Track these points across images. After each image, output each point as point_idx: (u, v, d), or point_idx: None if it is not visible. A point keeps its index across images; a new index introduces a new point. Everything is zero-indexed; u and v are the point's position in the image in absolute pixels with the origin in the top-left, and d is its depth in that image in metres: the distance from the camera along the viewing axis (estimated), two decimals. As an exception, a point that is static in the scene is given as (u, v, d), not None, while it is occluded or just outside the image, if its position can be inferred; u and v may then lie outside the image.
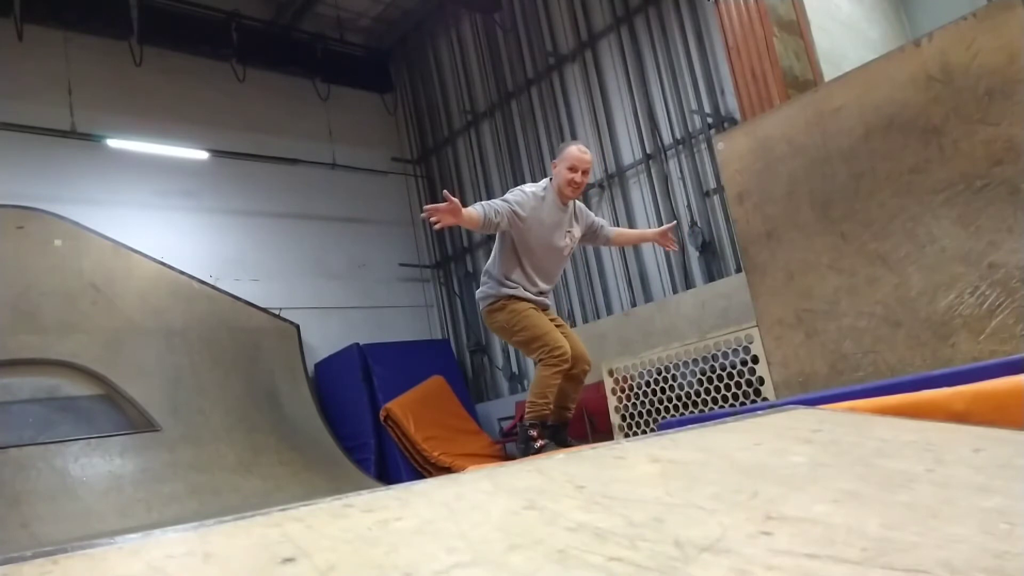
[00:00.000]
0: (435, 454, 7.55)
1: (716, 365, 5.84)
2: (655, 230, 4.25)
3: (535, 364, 3.74)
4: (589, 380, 7.76)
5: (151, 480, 6.43)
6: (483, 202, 3.66)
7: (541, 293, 3.89)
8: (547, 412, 3.69)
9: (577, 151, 3.73)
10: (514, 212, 3.65)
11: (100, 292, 7.21)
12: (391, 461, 8.20)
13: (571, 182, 3.70)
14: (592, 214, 4.17)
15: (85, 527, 5.46)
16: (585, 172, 3.75)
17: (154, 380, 7.20)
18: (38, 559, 0.84)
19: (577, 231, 3.96)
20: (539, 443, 3.64)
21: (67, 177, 8.06)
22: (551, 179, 3.79)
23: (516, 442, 3.88)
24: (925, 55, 3.40)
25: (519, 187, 3.82)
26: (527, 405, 3.71)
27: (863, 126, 3.61)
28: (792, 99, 4.21)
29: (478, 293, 3.96)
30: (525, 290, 3.79)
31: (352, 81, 10.70)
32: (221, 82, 9.47)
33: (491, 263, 3.93)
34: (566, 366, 3.63)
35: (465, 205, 3.56)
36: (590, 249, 8.96)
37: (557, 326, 3.85)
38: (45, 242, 7.09)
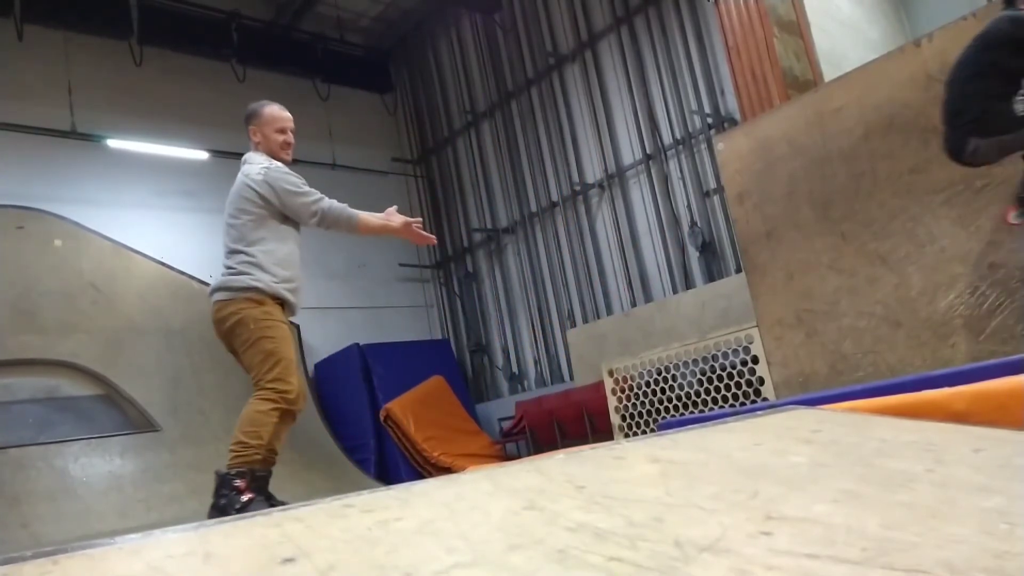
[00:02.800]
0: (435, 454, 7.55)
1: (716, 365, 5.84)
2: (401, 222, 3.41)
3: (254, 388, 3.16)
4: (589, 380, 7.78)
5: (151, 480, 6.43)
6: (319, 200, 3.28)
7: (301, 303, 3.39)
8: (258, 457, 3.08)
9: (279, 111, 3.44)
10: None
11: (100, 292, 7.20)
12: (391, 461, 8.20)
13: (286, 143, 3.42)
14: None
15: (85, 527, 5.46)
16: (293, 131, 3.46)
17: (154, 380, 7.20)
18: (38, 559, 0.84)
19: None
20: (246, 496, 2.98)
21: (67, 177, 8.06)
22: (255, 149, 3.42)
23: (214, 496, 3.04)
24: (925, 55, 3.40)
25: (259, 164, 3.32)
26: (234, 447, 3.05)
27: (863, 126, 3.61)
28: (792, 99, 4.21)
29: (231, 279, 3.21)
30: (293, 295, 3.30)
31: (352, 81, 10.71)
32: (221, 82, 9.46)
33: (255, 247, 3.24)
34: (286, 406, 3.14)
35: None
36: (590, 249, 8.96)
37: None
38: (45, 242, 7.08)
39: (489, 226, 10.19)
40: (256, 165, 3.34)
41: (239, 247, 3.25)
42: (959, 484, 1.11)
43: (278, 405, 3.11)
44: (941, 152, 3.06)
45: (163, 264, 7.87)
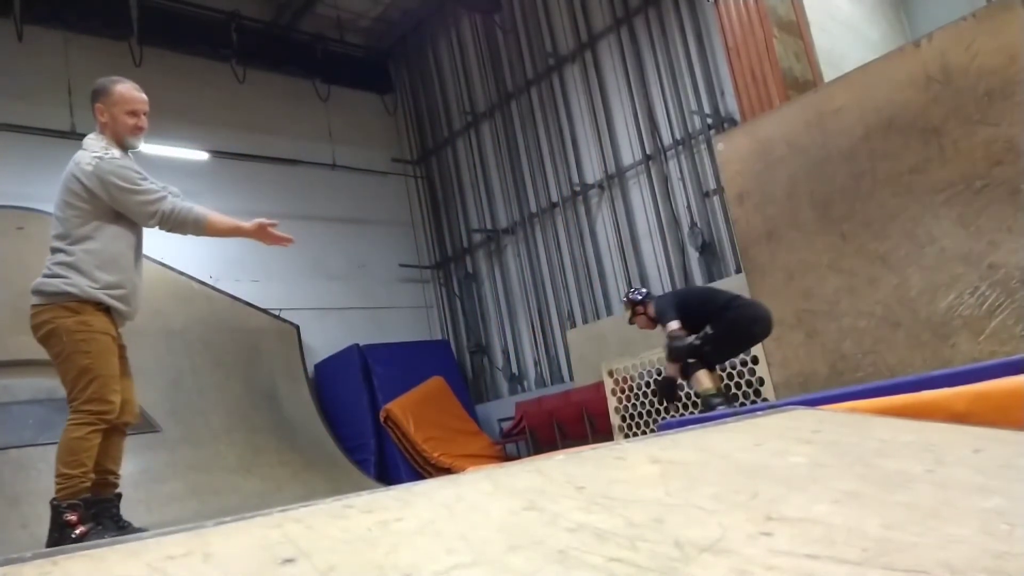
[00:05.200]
0: (435, 455, 7.55)
1: (716, 365, 5.84)
2: (253, 224, 3.21)
3: (69, 407, 2.86)
4: (590, 380, 7.76)
5: (151, 480, 6.43)
6: (160, 200, 2.97)
7: (137, 310, 3.11)
8: (86, 484, 2.80)
9: (133, 90, 3.10)
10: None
11: (100, 293, 7.19)
12: (391, 462, 8.20)
13: (136, 128, 3.06)
14: None
15: (85, 528, 5.45)
16: (146, 113, 3.11)
17: (154, 381, 7.19)
18: (38, 559, 0.84)
19: None
20: (79, 530, 2.72)
21: (67, 178, 8.05)
22: (100, 131, 3.06)
23: (49, 530, 2.80)
24: (925, 56, 3.40)
25: (91, 153, 2.94)
26: (57, 479, 2.77)
27: (863, 126, 3.61)
28: (792, 100, 4.21)
29: (44, 282, 2.92)
30: (124, 302, 2.98)
31: (352, 82, 10.72)
32: (221, 82, 9.47)
33: (77, 246, 2.92)
34: (106, 426, 2.87)
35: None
36: (589, 248, 8.96)
37: (121, 358, 3.06)
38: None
39: (489, 226, 10.19)
40: (88, 153, 2.93)
41: (60, 245, 2.93)
42: (959, 484, 1.11)
43: (96, 427, 2.82)
44: (941, 152, 3.07)
45: (163, 265, 7.87)
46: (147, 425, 6.92)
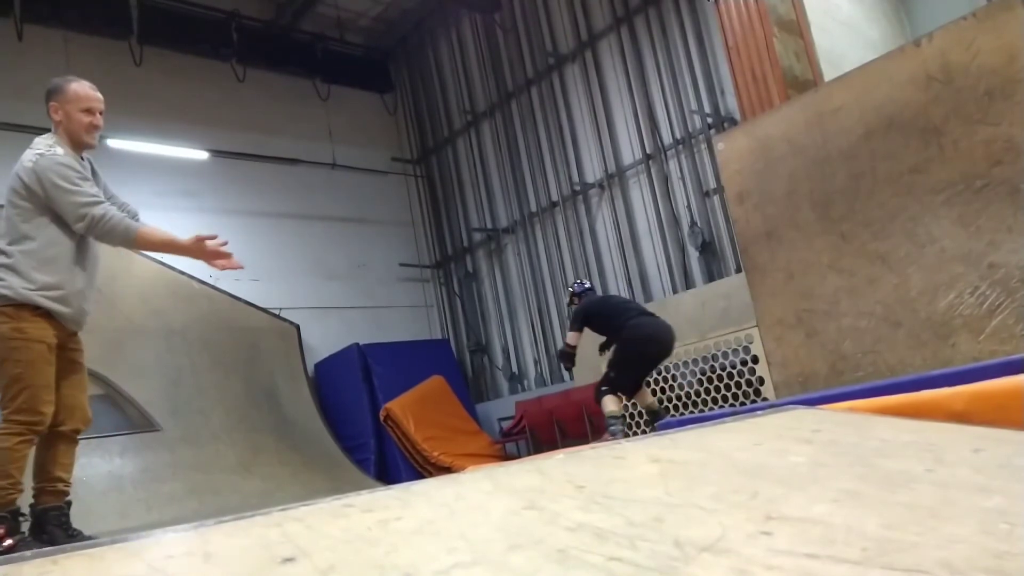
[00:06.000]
0: (435, 454, 7.55)
1: (716, 365, 5.84)
2: (190, 239, 3.05)
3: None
4: (589, 380, 7.76)
5: (151, 480, 6.43)
6: (92, 205, 2.84)
7: (87, 314, 3.00)
8: (14, 495, 2.73)
9: (89, 89, 3.06)
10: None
11: (100, 292, 7.16)
12: (391, 461, 8.20)
13: (92, 126, 3.01)
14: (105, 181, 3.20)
15: (85, 527, 5.45)
16: (101, 112, 3.07)
17: (154, 380, 7.19)
18: (38, 559, 0.84)
19: (101, 195, 3.10)
20: (7, 542, 2.66)
21: (67, 177, 8.05)
22: (55, 130, 3.01)
23: None
24: (925, 55, 3.40)
25: (34, 151, 2.89)
26: None
27: (863, 126, 3.61)
28: (792, 99, 4.21)
29: None
30: (63, 304, 2.86)
31: (352, 81, 10.71)
32: (221, 82, 9.47)
33: (16, 246, 2.85)
34: (35, 436, 2.79)
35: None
36: (589, 247, 8.96)
37: (70, 362, 2.96)
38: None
39: (489, 226, 10.19)
40: (32, 151, 2.90)
41: (1, 246, 2.84)
42: (959, 484, 1.11)
43: (25, 438, 2.73)
44: (941, 152, 3.06)
45: (163, 264, 7.87)
46: (147, 424, 6.93)
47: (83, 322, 3.02)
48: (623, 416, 5.23)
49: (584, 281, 6.11)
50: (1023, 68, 3.10)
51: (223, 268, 3.14)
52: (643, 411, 5.30)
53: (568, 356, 5.40)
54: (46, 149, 2.89)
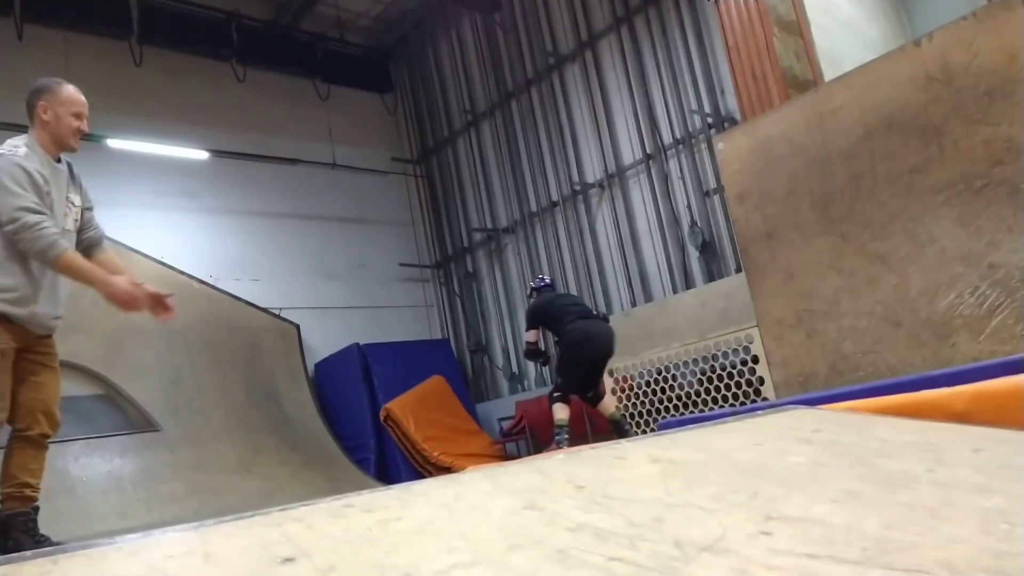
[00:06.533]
0: (435, 454, 7.55)
1: (716, 365, 5.84)
2: (129, 285, 2.97)
3: None
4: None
5: (151, 480, 6.43)
6: (28, 213, 2.74)
7: (55, 317, 2.93)
8: None
9: (77, 92, 3.06)
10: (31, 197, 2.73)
11: (100, 292, 7.19)
12: (391, 461, 8.20)
13: (79, 130, 3.03)
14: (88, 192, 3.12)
15: (85, 527, 5.45)
16: (87, 118, 3.08)
17: (154, 380, 7.19)
18: (38, 559, 0.84)
19: (77, 199, 3.10)
20: None
21: (67, 177, 8.05)
22: (40, 128, 3.03)
23: None
24: (925, 55, 3.40)
25: None
26: None
27: (863, 126, 3.61)
28: (792, 99, 4.21)
29: None
30: (20, 306, 2.80)
31: (352, 81, 10.71)
32: (221, 82, 9.47)
33: None
34: None
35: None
36: (589, 247, 8.96)
37: (39, 366, 2.89)
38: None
39: (489, 226, 10.19)
40: None
41: None
42: (959, 484, 1.11)
43: None
44: (941, 152, 3.06)
45: (163, 264, 7.87)
46: (147, 424, 6.93)
47: (50, 325, 2.94)
48: (567, 427, 5.23)
49: (545, 277, 6.18)
50: (1023, 68, 3.10)
51: (163, 321, 3.15)
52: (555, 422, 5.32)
53: (533, 353, 5.45)
54: (9, 149, 2.85)
